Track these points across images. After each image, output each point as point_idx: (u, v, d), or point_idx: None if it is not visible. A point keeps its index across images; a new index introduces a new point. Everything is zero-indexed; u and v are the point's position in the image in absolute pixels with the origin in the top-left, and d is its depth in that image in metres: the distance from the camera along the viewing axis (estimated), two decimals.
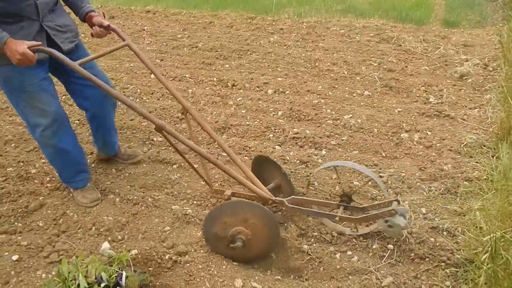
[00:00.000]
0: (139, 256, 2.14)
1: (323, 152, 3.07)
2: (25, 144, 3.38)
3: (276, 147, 3.19)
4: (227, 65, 4.82)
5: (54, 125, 2.38)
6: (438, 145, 3.10)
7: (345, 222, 2.28)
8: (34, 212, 2.61)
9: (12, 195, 2.76)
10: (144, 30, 6.36)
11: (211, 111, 3.77)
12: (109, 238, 2.35)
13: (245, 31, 5.92)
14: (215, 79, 4.45)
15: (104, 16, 2.39)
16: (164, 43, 5.73)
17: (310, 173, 2.53)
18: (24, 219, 2.57)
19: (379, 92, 3.95)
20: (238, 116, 3.67)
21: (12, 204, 2.68)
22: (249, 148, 3.15)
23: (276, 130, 3.40)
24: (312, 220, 2.42)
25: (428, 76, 4.25)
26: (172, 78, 4.60)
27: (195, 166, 2.48)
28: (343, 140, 3.20)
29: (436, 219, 2.38)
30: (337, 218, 2.09)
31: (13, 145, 3.39)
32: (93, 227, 2.45)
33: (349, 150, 3.10)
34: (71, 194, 2.76)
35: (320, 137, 3.24)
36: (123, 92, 4.29)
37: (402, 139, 3.19)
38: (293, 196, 2.20)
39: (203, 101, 3.99)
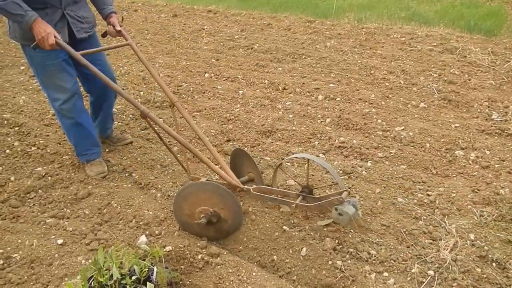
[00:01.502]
0: (173, 253, 2.18)
1: (369, 164, 2.96)
2: None
3: (320, 155, 3.12)
4: (280, 68, 4.80)
5: (70, 100, 2.75)
6: (496, 166, 2.87)
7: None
8: (82, 200, 2.75)
9: (65, 182, 2.94)
10: (203, 29, 6.51)
11: (258, 114, 3.77)
12: (147, 232, 2.42)
13: (302, 35, 5.87)
14: (266, 81, 4.46)
15: (122, 19, 2.80)
16: (221, 43, 5.83)
17: (283, 158, 2.62)
18: (73, 205, 2.72)
19: (436, 105, 3.74)
20: (284, 120, 3.64)
21: (64, 191, 2.85)
22: (293, 154, 3.12)
23: (322, 138, 3.33)
24: (350, 234, 2.34)
25: (493, 91, 3.96)
26: (224, 79, 4.67)
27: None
28: (391, 153, 3.06)
29: (485, 247, 2.20)
30: (293, 205, 2.21)
31: None
32: (134, 220, 2.54)
33: (396, 164, 2.96)
34: (116, 185, 2.89)
35: (367, 148, 3.12)
36: (177, 89, 4.42)
37: (456, 156, 2.99)
38: (259, 186, 2.35)
39: (252, 103, 4.01)
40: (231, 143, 3.35)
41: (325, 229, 2.34)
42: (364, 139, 3.26)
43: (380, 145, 3.15)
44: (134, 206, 2.66)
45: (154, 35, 6.51)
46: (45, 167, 3.16)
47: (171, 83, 4.65)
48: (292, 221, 2.38)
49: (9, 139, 3.64)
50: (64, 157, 3.23)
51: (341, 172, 2.87)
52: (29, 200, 2.79)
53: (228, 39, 5.98)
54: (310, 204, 2.20)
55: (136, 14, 7.83)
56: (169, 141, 3.41)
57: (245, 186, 2.36)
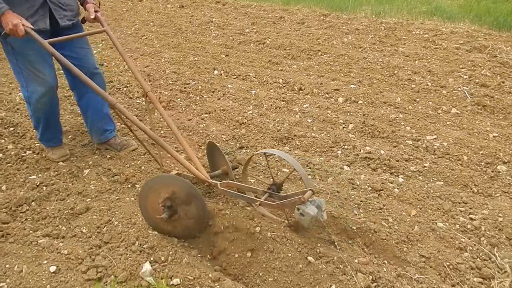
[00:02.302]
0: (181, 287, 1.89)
1: (400, 179, 2.65)
2: (81, 137, 3.28)
3: (345, 167, 2.81)
4: (294, 66, 4.47)
5: (49, 94, 2.67)
6: None
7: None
8: (79, 216, 2.46)
9: (61, 193, 2.64)
10: (212, 22, 6.17)
11: (274, 117, 3.45)
12: (152, 258, 2.12)
13: (317, 29, 5.52)
14: (280, 80, 4.13)
15: (99, 5, 2.74)
16: (231, 37, 5.49)
17: (253, 154, 2.43)
18: (69, 222, 2.43)
19: (470, 111, 3.41)
20: (303, 125, 3.32)
21: (59, 204, 2.55)
22: (314, 165, 2.80)
23: (346, 147, 3.01)
24: (385, 268, 2.03)
25: None
26: (235, 76, 4.35)
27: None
28: (424, 166, 2.75)
29: None
30: (258, 203, 2.12)
31: (70, 136, 3.31)
32: (137, 242, 2.24)
33: (431, 180, 2.64)
34: (118, 198, 2.60)
35: (397, 160, 2.81)
36: (184, 87, 4.10)
37: (499, 172, 2.68)
38: (228, 181, 2.25)
39: (266, 105, 3.69)
40: (244, 151, 3.05)
41: (356, 261, 2.03)
42: (393, 149, 2.94)
43: (411, 157, 2.83)
44: (137, 224, 2.36)
45: (160, 27, 6.18)
46: (40, 175, 2.87)
47: (178, 80, 4.34)
48: (317, 250, 2.08)
49: (2, 141, 3.35)
50: (60, 163, 2.94)
51: (369, 189, 2.56)
52: (21, 214, 2.49)
53: (238, 32, 5.65)
54: (273, 202, 2.09)
55: (141, 4, 7.50)
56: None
57: (213, 181, 2.26)
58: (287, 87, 4.02)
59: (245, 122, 3.41)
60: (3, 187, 2.74)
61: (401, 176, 2.68)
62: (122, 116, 2.33)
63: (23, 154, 3.11)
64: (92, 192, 2.64)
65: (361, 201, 2.44)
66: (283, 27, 5.73)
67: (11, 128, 3.41)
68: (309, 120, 3.38)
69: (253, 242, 2.11)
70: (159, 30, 6.03)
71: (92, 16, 2.60)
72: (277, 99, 3.79)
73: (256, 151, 3.04)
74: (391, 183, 2.60)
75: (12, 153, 3.13)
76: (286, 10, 6.50)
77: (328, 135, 3.16)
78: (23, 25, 2.25)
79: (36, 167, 2.95)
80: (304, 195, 1.97)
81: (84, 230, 2.34)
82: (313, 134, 3.17)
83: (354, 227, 2.23)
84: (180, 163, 2.29)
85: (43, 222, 2.42)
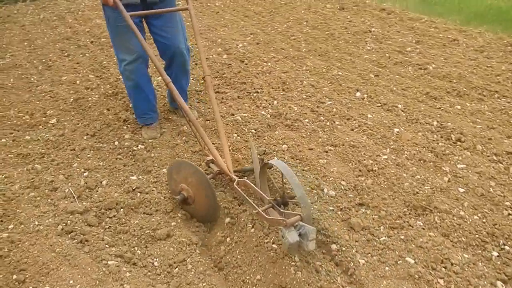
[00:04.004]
0: None
1: None
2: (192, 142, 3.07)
3: (498, 284, 1.98)
4: (458, 106, 3.57)
5: (134, 63, 2.88)
6: None
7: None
8: (158, 242, 2.20)
9: (151, 207, 2.44)
10: (370, 31, 5.48)
11: (413, 173, 2.72)
12: None
13: (499, 63, 4.40)
14: (435, 122, 3.32)
15: None
16: (387, 54, 4.75)
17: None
18: (147, 246, 2.19)
19: None
20: (450, 195, 2.53)
21: (145, 219, 2.34)
22: (451, 264, 2.05)
23: (507, 247, 2.16)
24: None
25: None
26: (379, 104, 3.67)
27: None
28: None
29: None
30: (255, 212, 2.05)
31: (184, 138, 3.13)
32: None
33: None
34: (199, 229, 2.28)
35: None
36: (316, 106, 3.61)
37: None
38: (245, 180, 2.20)
39: (408, 152, 2.96)
40: (363, 211, 2.43)
41: None
42: None
43: None
44: (211, 279, 2.00)
45: (312, 29, 5.74)
46: (140, 177, 2.73)
47: (313, 96, 3.85)
48: None
49: (125, 127, 3.36)
50: (163, 170, 2.75)
51: None
52: (106, 219, 2.36)
53: (397, 50, 4.86)
54: (265, 216, 2.01)
55: (300, 0, 7.15)
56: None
57: (234, 176, 2.26)
58: (441, 134, 3.20)
59: (375, 170, 2.76)
60: (104, 182, 2.67)
61: None
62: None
63: (134, 148, 3.04)
64: (179, 217, 2.37)
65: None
66: (454, 52, 4.73)
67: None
68: (460, 190, 2.57)
69: None
70: (310, 33, 5.59)
71: None
72: (424, 147, 3.03)
73: (374, 211, 2.40)
74: None
75: (126, 143, 3.09)
76: (462, 31, 5.40)
77: (484, 220, 2.33)
78: None
79: (140, 167, 2.84)
80: (289, 218, 1.88)
81: (156, 263, 2.08)
82: (461, 213, 2.38)
83: None
84: (209, 151, 2.38)
85: (122, 237, 2.24)
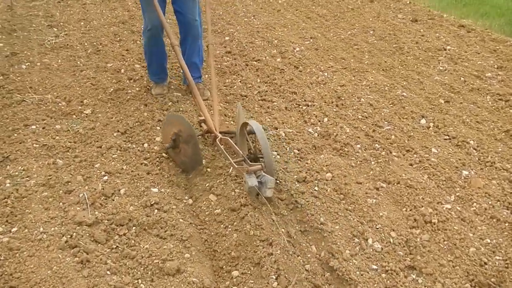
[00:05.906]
0: None
1: None
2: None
3: None
4: None
5: (152, 30, 3.28)
6: None
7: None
8: (165, 277, 1.90)
9: (166, 229, 2.15)
10: (444, 50, 4.87)
11: (483, 233, 2.21)
12: None
13: None
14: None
15: None
16: (462, 78, 4.16)
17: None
18: (152, 279, 1.90)
19: None
20: None
21: (155, 245, 2.05)
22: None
23: None
24: None
25: None
26: (447, 138, 3.15)
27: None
28: None
29: None
30: (228, 162, 2.36)
31: None
32: None
33: None
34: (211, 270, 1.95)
35: None
36: (372, 131, 3.15)
37: None
38: (227, 138, 2.55)
39: (476, 203, 2.45)
40: (413, 277, 1.99)
41: None
42: None
43: None
44: None
45: (379, 39, 5.21)
46: (162, 190, 2.46)
47: (369, 117, 3.40)
48: None
49: (158, 128, 3.10)
50: (191, 186, 2.45)
51: None
52: (115, 237, 2.09)
53: (475, 74, 4.24)
54: (235, 166, 2.29)
55: (370, 6, 6.59)
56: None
57: (218, 134, 2.60)
58: None
59: (434, 223, 2.29)
60: (122, 191, 2.42)
61: None
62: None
63: (163, 155, 2.76)
64: (193, 249, 2.05)
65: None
66: None
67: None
68: None
69: None
70: (376, 44, 5.08)
71: None
72: (498, 200, 2.50)
73: (428, 281, 1.94)
74: None
75: (156, 148, 2.83)
76: None
77: None
78: None
79: (163, 177, 2.57)
80: (253, 166, 2.21)
81: None
82: None
83: None
84: (201, 111, 2.76)
85: (127, 263, 1.96)
